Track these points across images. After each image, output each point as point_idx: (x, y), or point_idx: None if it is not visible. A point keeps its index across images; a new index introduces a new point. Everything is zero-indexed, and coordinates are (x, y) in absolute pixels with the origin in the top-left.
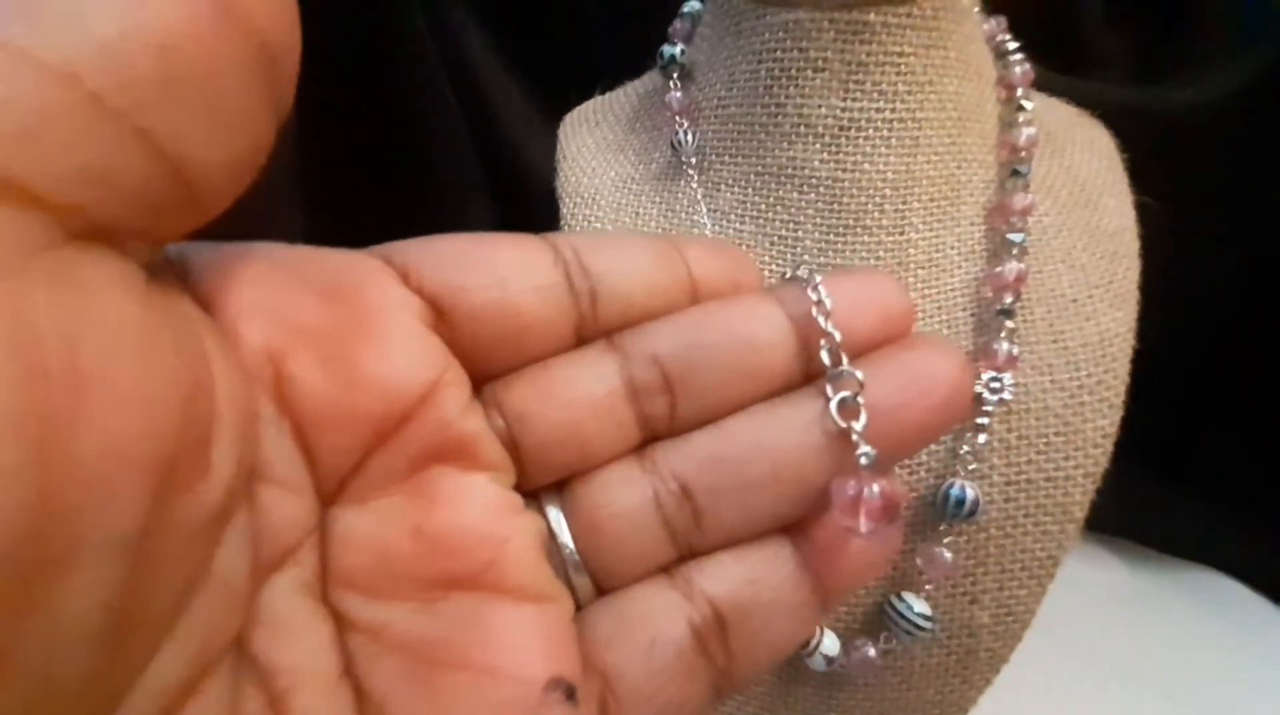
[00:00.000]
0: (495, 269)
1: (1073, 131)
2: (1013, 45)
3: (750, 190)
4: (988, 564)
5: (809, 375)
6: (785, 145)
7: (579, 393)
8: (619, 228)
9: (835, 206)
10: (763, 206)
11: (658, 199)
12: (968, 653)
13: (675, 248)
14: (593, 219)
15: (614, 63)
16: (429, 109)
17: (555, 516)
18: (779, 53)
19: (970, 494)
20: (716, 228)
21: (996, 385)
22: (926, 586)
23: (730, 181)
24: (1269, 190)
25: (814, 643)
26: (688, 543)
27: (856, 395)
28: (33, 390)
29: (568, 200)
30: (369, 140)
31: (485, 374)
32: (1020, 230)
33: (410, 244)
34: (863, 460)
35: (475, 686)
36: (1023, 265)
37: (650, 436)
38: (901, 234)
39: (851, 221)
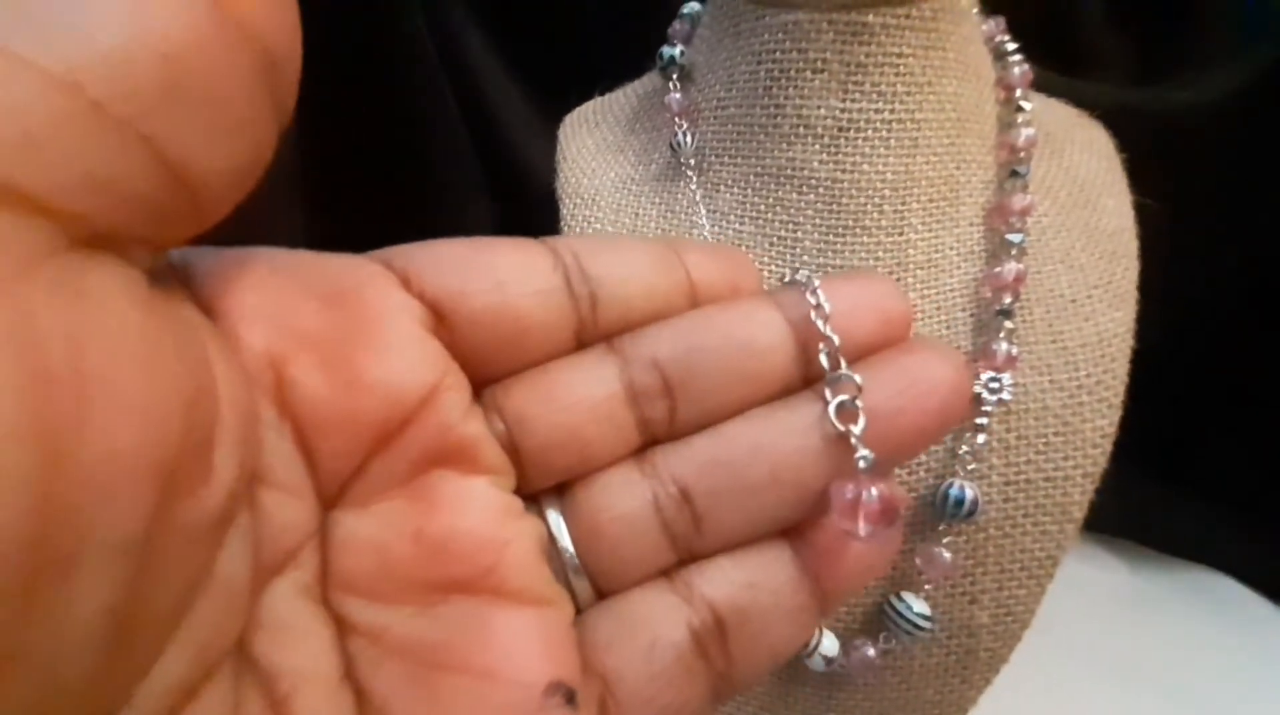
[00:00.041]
0: (495, 273)
1: (1072, 132)
2: (1011, 46)
3: (749, 191)
4: (987, 564)
5: (808, 379)
6: (784, 146)
7: (579, 396)
8: (619, 228)
9: (834, 207)
10: (762, 207)
11: (657, 200)
12: (967, 653)
13: (675, 251)
14: (592, 220)
15: (613, 64)
16: (429, 109)
17: (555, 520)
18: (778, 54)
19: (969, 494)
20: (716, 228)
21: (995, 385)
22: (926, 586)
23: (729, 182)
24: (1269, 190)
25: (813, 643)
26: (687, 546)
27: (855, 399)
28: (37, 395)
29: (567, 201)
30: (369, 140)
31: (485, 378)
32: (1019, 231)
33: (410, 248)
34: (861, 463)
35: (475, 690)
36: (1021, 266)
37: (650, 440)
38: (900, 235)
39: (850, 222)
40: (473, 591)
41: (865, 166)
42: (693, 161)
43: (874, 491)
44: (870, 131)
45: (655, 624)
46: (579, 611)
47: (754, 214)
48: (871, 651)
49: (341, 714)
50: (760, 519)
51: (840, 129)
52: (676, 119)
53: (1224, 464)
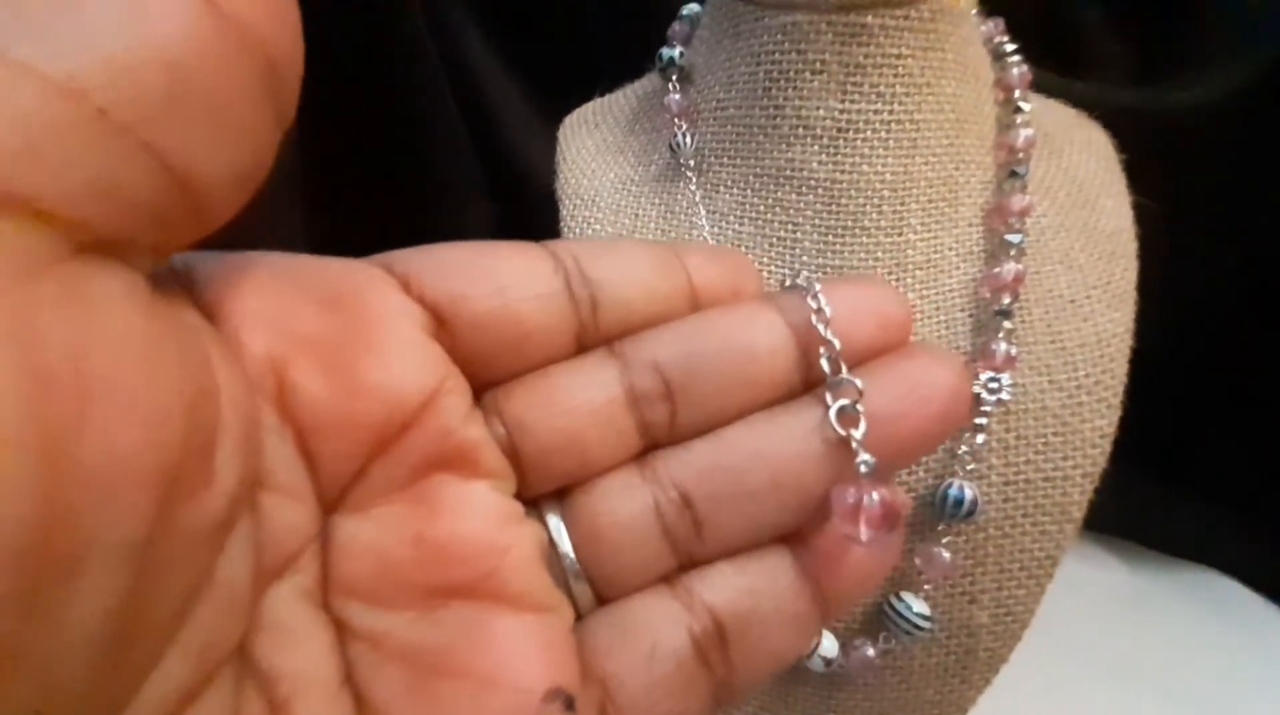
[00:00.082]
0: (496, 277)
1: (1070, 133)
2: (1010, 47)
3: (749, 192)
4: (986, 564)
5: (809, 383)
6: (784, 147)
7: (579, 400)
8: (618, 229)
9: (833, 208)
10: (761, 208)
11: (657, 201)
12: (967, 653)
13: (675, 255)
14: (592, 220)
15: (613, 65)
16: (429, 109)
17: (555, 525)
18: (777, 55)
19: (969, 494)
20: (715, 229)
21: (995, 386)
22: (925, 586)
23: (729, 183)
24: (1269, 190)
25: (812, 644)
26: (688, 552)
27: (856, 403)
28: (39, 399)
29: (567, 202)
30: (369, 140)
31: (486, 382)
32: (1018, 231)
33: (411, 252)
34: (862, 468)
35: (474, 696)
36: (1020, 266)
37: (650, 444)
38: (900, 235)
39: (850, 223)
40: (473, 596)
41: (864, 167)
42: (692, 162)
43: (875, 496)
44: (869, 132)
45: (656, 630)
46: (579, 617)
47: (753, 215)
48: (871, 651)
49: None
50: (761, 524)
51: (839, 130)
52: (676, 120)
53: (1224, 464)
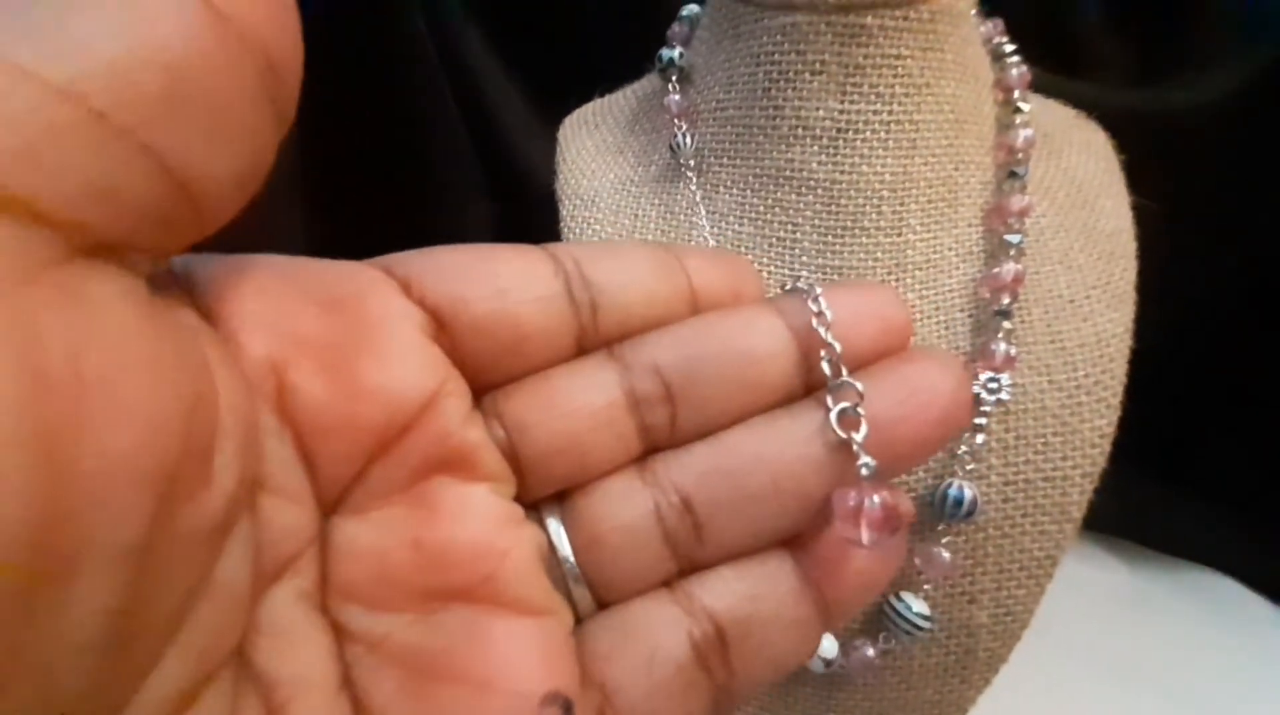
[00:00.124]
0: (496, 280)
1: (1070, 133)
2: (1010, 47)
3: (749, 192)
4: (986, 564)
5: (809, 387)
6: (783, 147)
7: (579, 403)
8: (618, 230)
9: (833, 208)
10: (761, 208)
11: (657, 201)
12: (966, 652)
13: (676, 258)
14: (592, 221)
15: (613, 65)
16: (429, 110)
17: (555, 528)
18: (777, 55)
19: (968, 494)
20: (715, 229)
21: (994, 386)
22: (925, 586)
23: (729, 183)
24: (1269, 190)
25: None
26: (688, 556)
27: (857, 406)
28: (37, 401)
29: (567, 202)
30: (369, 141)
31: (486, 384)
32: (1017, 231)
33: (411, 255)
34: (863, 471)
35: (472, 699)
36: (1020, 266)
37: (651, 447)
38: (899, 235)
39: (849, 223)
40: (471, 600)
41: (864, 168)
42: (692, 163)
43: (876, 498)
44: (869, 133)
45: (656, 635)
46: (579, 621)
47: (753, 215)
48: (871, 651)
49: None
50: (762, 528)
51: (839, 130)
52: (676, 120)
53: (1224, 464)
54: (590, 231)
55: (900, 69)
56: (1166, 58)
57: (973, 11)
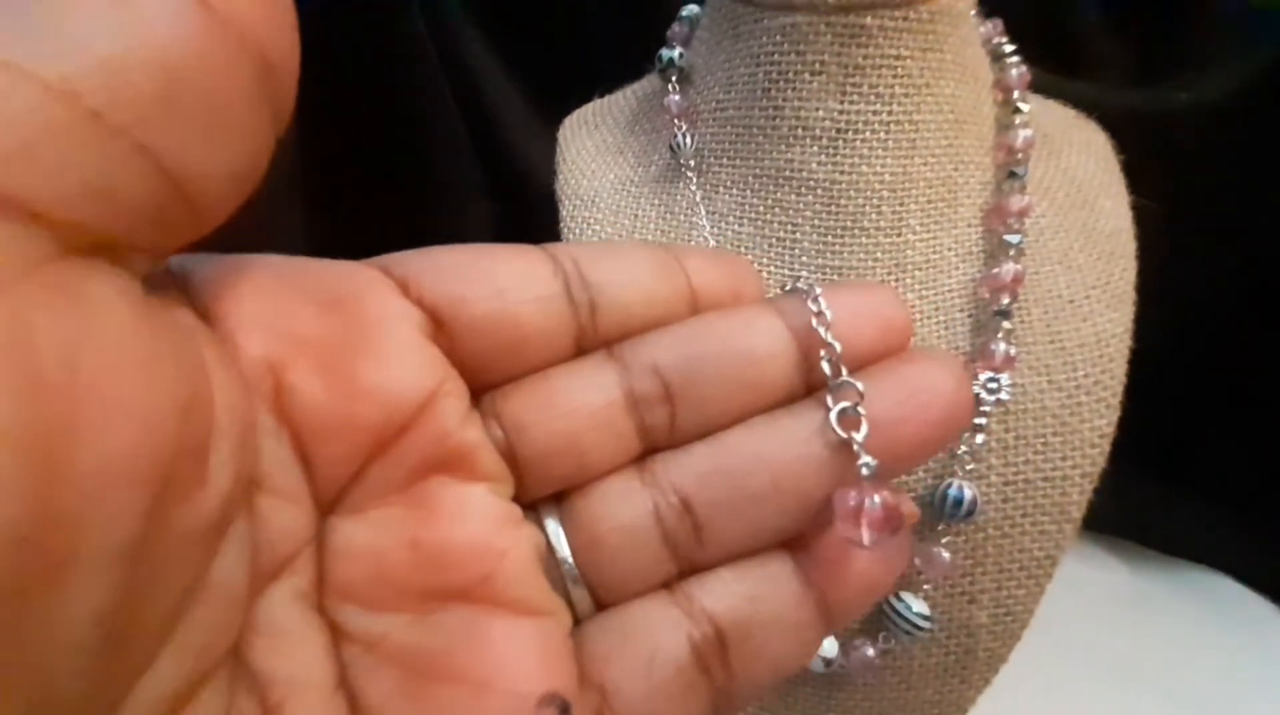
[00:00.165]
0: (494, 280)
1: (1069, 133)
2: (1009, 48)
3: (748, 192)
4: (986, 564)
5: (810, 387)
6: (783, 148)
7: (578, 403)
8: (618, 230)
9: (833, 208)
10: (761, 208)
11: (657, 201)
12: (966, 652)
13: (675, 258)
14: (592, 221)
15: (613, 65)
16: (429, 110)
17: (554, 529)
18: (777, 56)
19: (968, 494)
20: (715, 230)
21: (994, 386)
22: (925, 586)
23: (729, 184)
24: (1269, 190)
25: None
26: (688, 557)
27: (857, 405)
28: (30, 400)
29: (567, 202)
30: (369, 141)
31: (484, 384)
32: (1017, 232)
33: (410, 255)
34: (864, 471)
35: (469, 700)
36: (1019, 266)
37: (650, 447)
38: (899, 235)
39: (849, 223)
40: (469, 600)
41: (863, 168)
42: (692, 163)
43: (877, 498)
44: (868, 133)
45: (655, 636)
46: (578, 622)
47: (753, 215)
48: (871, 651)
49: None
50: (762, 529)
51: (838, 131)
52: (676, 121)
53: (1224, 464)
54: (590, 232)
55: (900, 69)
56: (1166, 58)
57: (972, 12)
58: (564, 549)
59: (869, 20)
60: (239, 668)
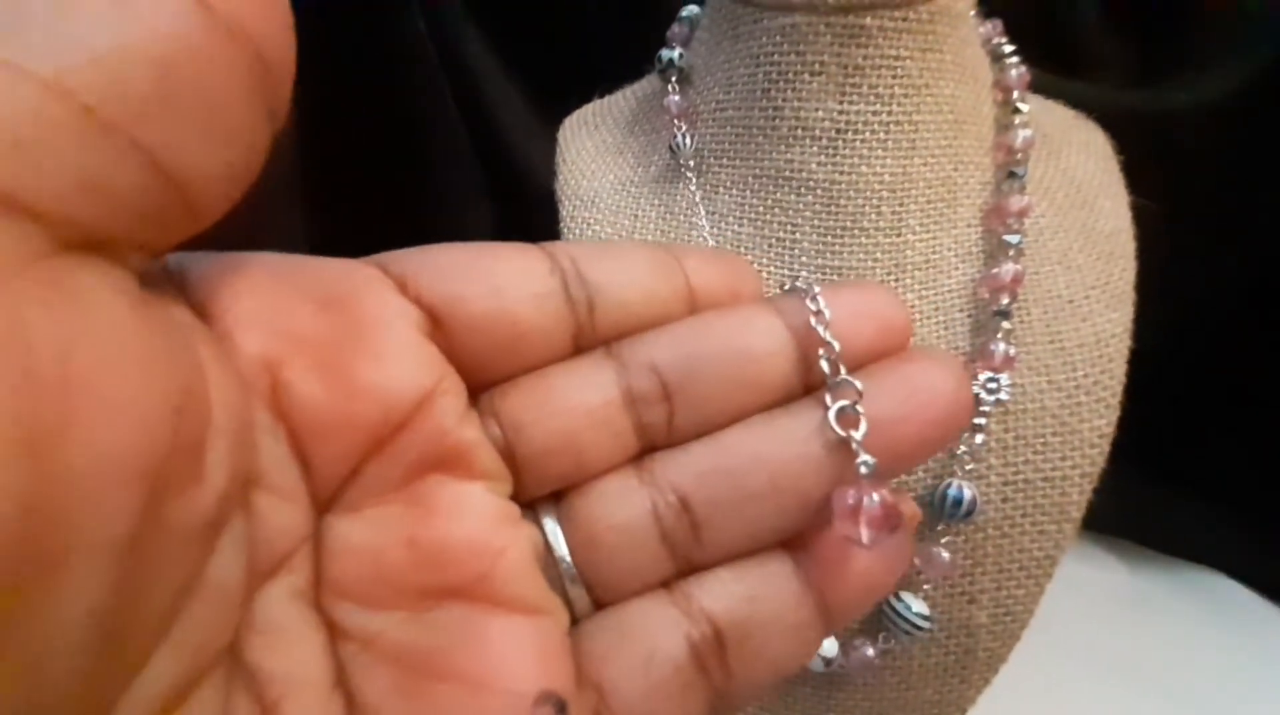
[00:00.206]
0: (492, 278)
1: (1069, 133)
2: (1009, 48)
3: (748, 193)
4: (985, 564)
5: (808, 386)
6: (783, 148)
7: (576, 402)
8: (618, 230)
9: (832, 208)
10: (760, 209)
11: (656, 202)
12: (966, 652)
13: (674, 257)
14: (592, 221)
15: (613, 66)
16: (429, 110)
17: (552, 528)
18: (776, 56)
19: (968, 494)
20: (715, 230)
21: (993, 386)
22: (925, 586)
23: (728, 184)
24: (1268, 190)
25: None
26: (686, 556)
27: (855, 404)
28: (24, 396)
29: (567, 203)
30: (369, 142)
31: (482, 383)
32: (1017, 232)
33: (408, 253)
34: (862, 469)
35: (466, 698)
36: (1019, 266)
37: (648, 446)
38: (898, 236)
39: (849, 223)
40: (466, 598)
41: (863, 168)
42: (691, 163)
43: (875, 497)
44: (868, 133)
45: (653, 636)
46: (576, 621)
47: (753, 215)
48: (870, 651)
49: None
50: (761, 528)
51: (838, 131)
52: (675, 121)
53: (1224, 464)
54: (590, 232)
55: (899, 70)
56: (1166, 58)
57: (972, 12)
58: (562, 548)
59: (868, 21)
60: (236, 665)
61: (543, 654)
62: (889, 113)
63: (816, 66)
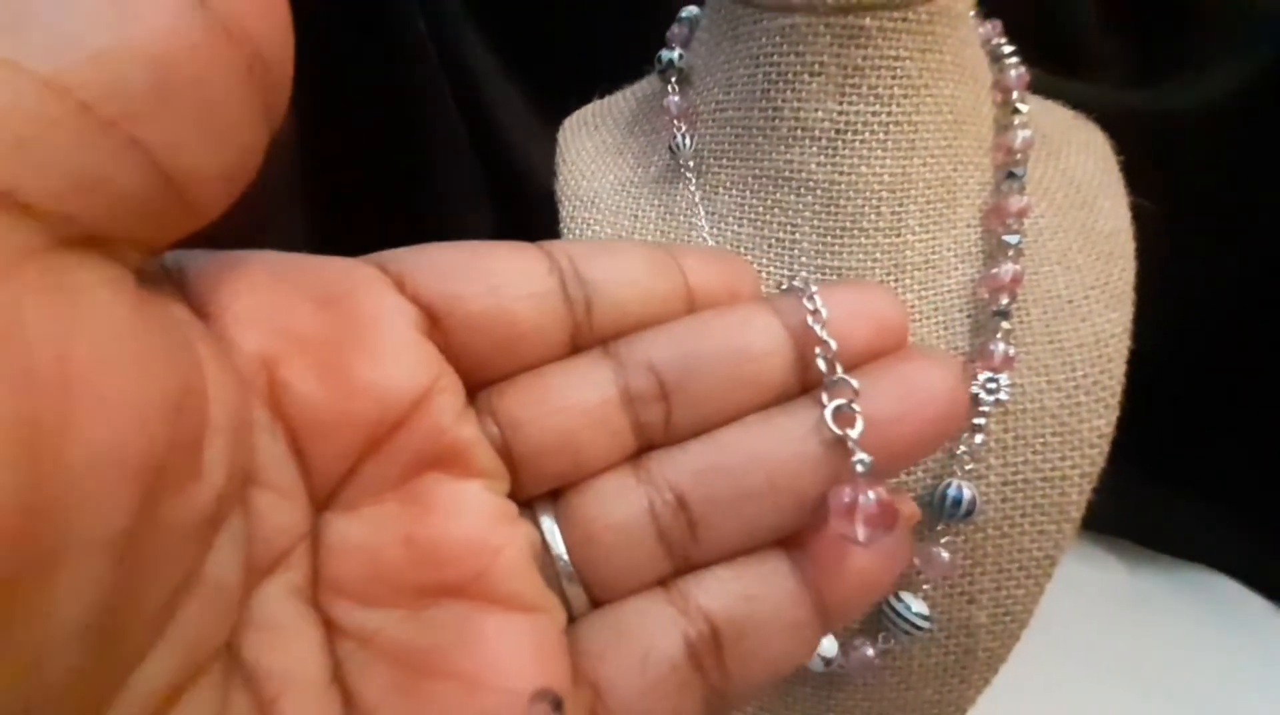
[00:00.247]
0: (490, 276)
1: (1068, 134)
2: (1008, 49)
3: (748, 193)
4: (985, 564)
5: (805, 385)
6: (782, 149)
7: (573, 400)
8: (617, 231)
9: (832, 209)
10: (760, 209)
11: (656, 202)
12: (966, 652)
13: (672, 256)
14: (592, 222)
15: (613, 67)
16: (429, 111)
17: (549, 526)
18: (776, 57)
19: (967, 494)
20: (714, 230)
21: (993, 386)
22: (924, 586)
23: (728, 184)
24: (1268, 190)
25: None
26: (683, 555)
27: (852, 402)
28: (20, 393)
29: (567, 203)
30: (369, 143)
31: (480, 381)
32: (1016, 232)
33: (405, 252)
34: (859, 467)
35: (462, 695)
36: (1018, 267)
37: (645, 445)
38: (898, 236)
39: (848, 224)
40: (463, 596)
41: (863, 168)
42: (691, 164)
43: (871, 495)
44: (867, 134)
45: (650, 634)
46: (573, 620)
47: (752, 216)
48: (870, 651)
49: None
50: (758, 527)
51: (838, 131)
52: (675, 122)
53: (1223, 464)
54: (590, 232)
55: (899, 70)
56: (1166, 58)
57: (971, 13)
58: (559, 546)
59: (868, 21)
60: (233, 662)
61: (539, 652)
62: (888, 113)
63: (816, 67)
